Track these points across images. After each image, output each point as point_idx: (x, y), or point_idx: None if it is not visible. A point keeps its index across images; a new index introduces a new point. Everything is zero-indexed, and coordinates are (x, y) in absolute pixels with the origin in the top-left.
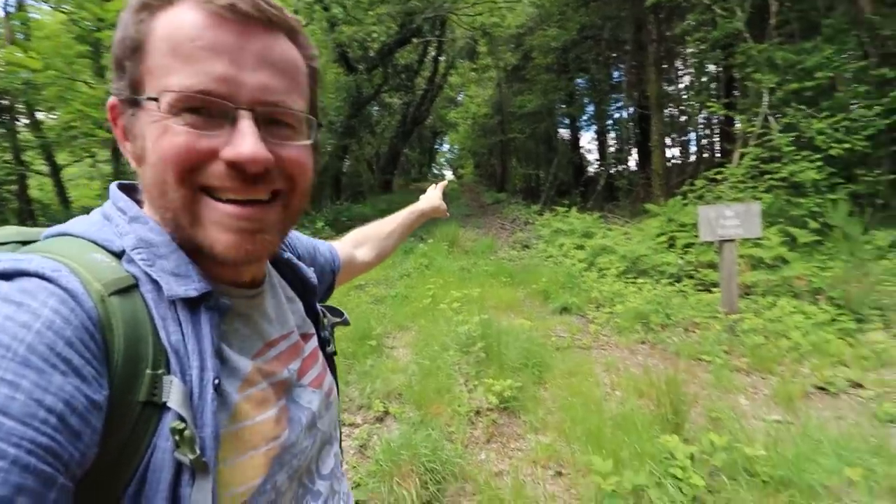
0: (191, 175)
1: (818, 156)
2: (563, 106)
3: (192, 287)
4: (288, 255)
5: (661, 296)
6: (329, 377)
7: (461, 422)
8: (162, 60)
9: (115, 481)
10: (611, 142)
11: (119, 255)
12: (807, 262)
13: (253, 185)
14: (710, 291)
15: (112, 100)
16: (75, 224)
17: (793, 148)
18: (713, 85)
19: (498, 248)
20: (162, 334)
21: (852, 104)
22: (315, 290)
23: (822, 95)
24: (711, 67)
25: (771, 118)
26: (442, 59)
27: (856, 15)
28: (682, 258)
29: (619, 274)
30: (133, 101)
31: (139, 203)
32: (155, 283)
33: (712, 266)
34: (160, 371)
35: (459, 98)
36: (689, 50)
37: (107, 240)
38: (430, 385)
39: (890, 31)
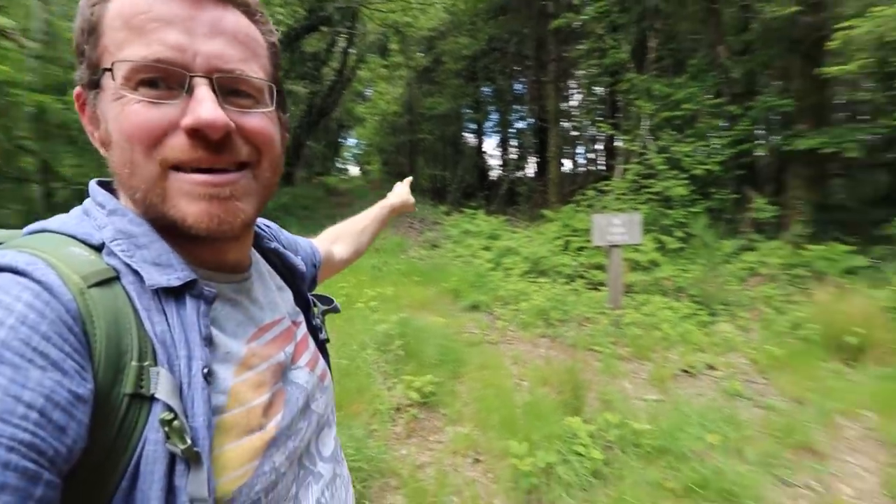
0: (155, 149)
1: (685, 175)
2: (470, 111)
3: (174, 276)
4: (275, 244)
5: (559, 294)
6: (322, 362)
7: (382, 419)
8: (115, 36)
9: (108, 475)
10: (512, 149)
11: (99, 248)
12: (673, 265)
13: (216, 153)
14: (598, 290)
15: (77, 89)
16: (53, 221)
17: (665, 167)
18: (601, 106)
19: (408, 247)
20: (147, 325)
21: (709, 134)
22: (304, 277)
23: (688, 124)
24: (600, 90)
25: (648, 140)
26: (352, 51)
27: (714, 59)
28: (575, 260)
29: (522, 274)
30: (93, 83)
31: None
32: (136, 273)
33: (600, 268)
34: (146, 363)
35: (368, 93)
36: (582, 72)
37: (86, 234)
38: (350, 384)
39: (738, 75)
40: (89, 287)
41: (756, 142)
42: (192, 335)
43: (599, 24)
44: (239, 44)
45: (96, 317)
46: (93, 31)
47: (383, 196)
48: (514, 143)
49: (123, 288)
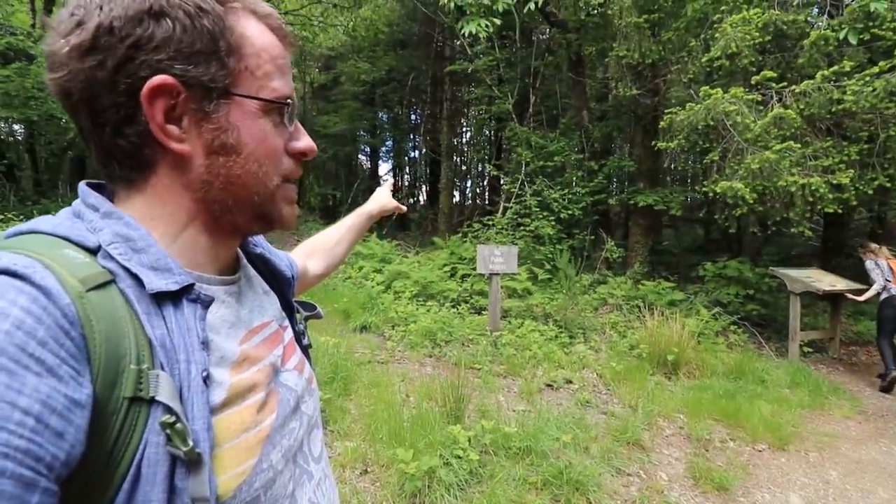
0: (280, 166)
1: (553, 217)
2: (367, 135)
3: (172, 280)
4: (260, 249)
5: (445, 317)
6: (308, 366)
7: None
8: (262, 66)
9: (108, 479)
10: (406, 177)
11: (94, 251)
12: (543, 293)
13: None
14: (480, 314)
15: (167, 79)
16: (42, 222)
17: (538, 209)
18: (489, 147)
19: None
20: (147, 328)
21: (574, 183)
22: (290, 282)
23: (557, 173)
24: (488, 133)
25: (526, 183)
26: None
27: (580, 121)
28: (461, 286)
29: (412, 297)
30: (222, 91)
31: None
32: (134, 277)
33: (482, 293)
34: (145, 366)
35: None
36: (472, 114)
37: (80, 236)
38: None
39: (598, 136)
40: (87, 291)
41: (610, 193)
42: (191, 339)
43: (489, 74)
44: None
45: (95, 321)
46: (224, 40)
47: None
48: (408, 170)
49: (121, 291)
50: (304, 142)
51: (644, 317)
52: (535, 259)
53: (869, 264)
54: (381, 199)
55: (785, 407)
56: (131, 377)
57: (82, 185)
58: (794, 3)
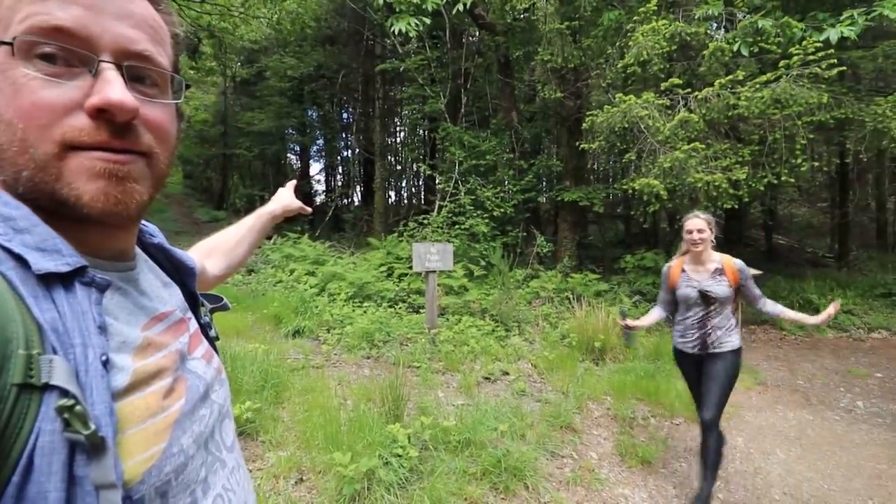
0: (52, 129)
1: (487, 214)
2: (295, 133)
3: (62, 262)
4: (158, 240)
5: (383, 317)
6: (216, 357)
7: None
8: (10, 2)
9: None
10: (339, 177)
11: None
12: (479, 289)
13: (119, 136)
14: (418, 312)
15: None
16: None
17: (472, 207)
18: (422, 146)
19: None
20: (35, 312)
21: (505, 181)
22: (193, 272)
23: (489, 172)
24: (422, 132)
25: (460, 182)
26: None
27: (510, 121)
28: (398, 286)
29: (347, 298)
30: None
31: None
32: (18, 258)
33: (420, 292)
34: (35, 351)
35: None
36: (405, 113)
37: None
38: None
39: (527, 137)
40: None
41: (539, 191)
42: (86, 323)
43: (421, 74)
44: (147, 29)
45: None
46: None
47: (186, 214)
48: (340, 170)
49: (2, 274)
50: (103, 93)
51: (573, 307)
52: (470, 256)
53: None
54: (284, 199)
55: None
56: (20, 363)
57: None
58: (696, 17)
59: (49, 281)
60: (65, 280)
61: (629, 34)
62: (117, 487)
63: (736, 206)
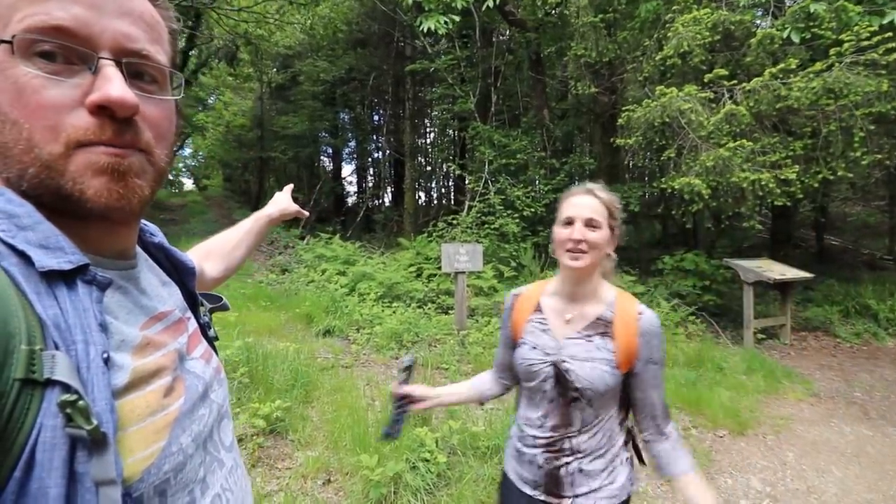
0: (58, 128)
1: (517, 214)
2: (328, 136)
3: (65, 259)
4: (158, 239)
5: (412, 317)
6: (215, 357)
7: None
8: (9, 0)
9: None
10: (370, 178)
11: None
12: (508, 290)
13: (121, 133)
14: (447, 313)
15: None
16: None
17: (502, 207)
18: (452, 146)
19: (255, 270)
20: (37, 308)
21: (536, 180)
22: (192, 272)
23: (520, 171)
24: (452, 132)
25: (490, 182)
26: (192, 53)
27: (541, 119)
28: (427, 286)
29: (377, 298)
30: None
31: None
32: (21, 255)
33: (449, 293)
34: (37, 347)
35: (211, 101)
36: (435, 113)
37: None
38: None
39: (559, 135)
40: None
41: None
42: (88, 320)
43: (451, 74)
44: (145, 25)
45: None
46: None
47: (226, 215)
48: (371, 171)
49: (5, 270)
50: (104, 90)
51: None
52: (500, 257)
53: None
54: (282, 202)
55: (742, 393)
56: (22, 358)
57: None
58: (741, 4)
59: (51, 278)
60: (67, 277)
61: (668, 25)
62: (117, 484)
63: (788, 204)
